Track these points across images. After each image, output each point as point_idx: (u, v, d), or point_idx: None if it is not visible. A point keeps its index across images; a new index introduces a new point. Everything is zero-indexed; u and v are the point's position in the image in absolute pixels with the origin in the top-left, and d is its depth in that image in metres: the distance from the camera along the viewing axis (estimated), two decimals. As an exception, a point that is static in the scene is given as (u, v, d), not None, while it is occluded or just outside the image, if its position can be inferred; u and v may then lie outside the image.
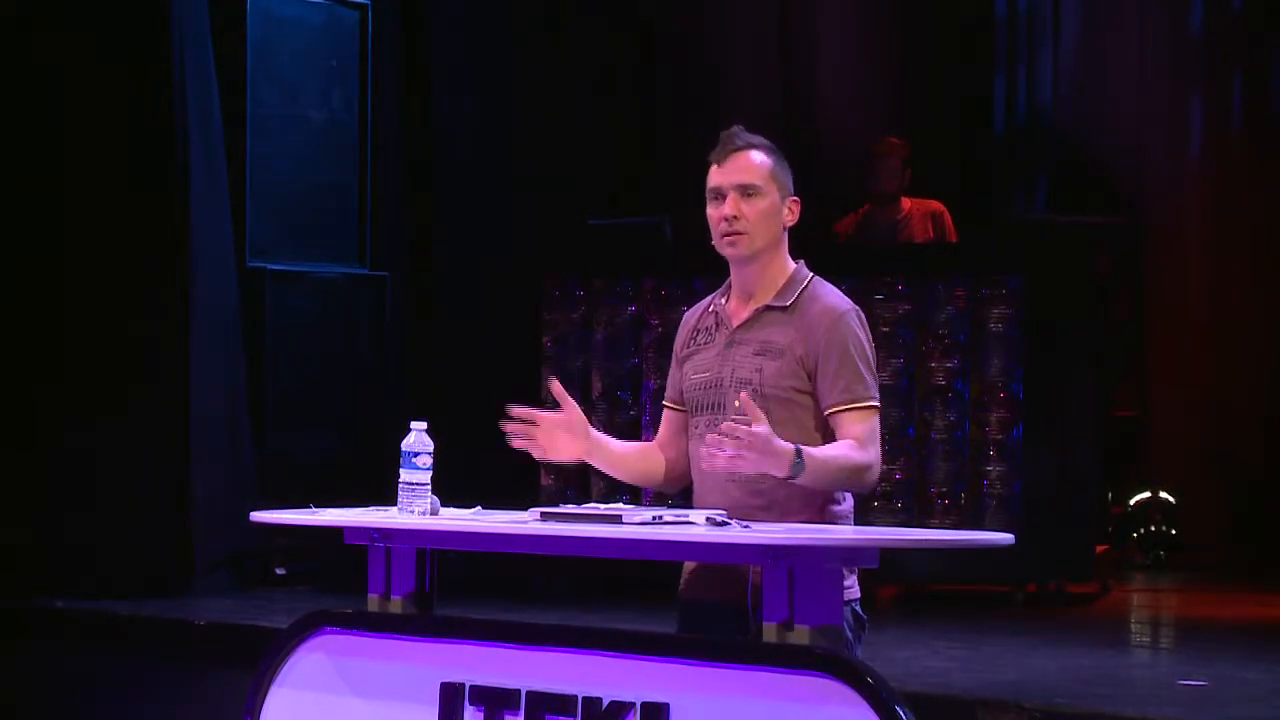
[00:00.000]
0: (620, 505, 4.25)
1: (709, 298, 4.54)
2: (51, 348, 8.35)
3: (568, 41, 10.62)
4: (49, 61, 8.37)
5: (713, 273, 4.55)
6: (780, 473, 4.10)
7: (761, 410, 4.13)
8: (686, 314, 4.58)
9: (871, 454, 4.25)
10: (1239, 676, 6.39)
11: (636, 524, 4.04)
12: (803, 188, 4.46)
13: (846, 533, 4.21)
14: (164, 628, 7.42)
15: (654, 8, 11.36)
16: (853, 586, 4.25)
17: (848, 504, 4.36)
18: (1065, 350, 8.57)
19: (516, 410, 4.43)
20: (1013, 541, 4.14)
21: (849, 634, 4.19)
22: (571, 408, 4.46)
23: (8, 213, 8.40)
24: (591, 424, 4.52)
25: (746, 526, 4.02)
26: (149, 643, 7.40)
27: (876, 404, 4.30)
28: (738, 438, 4.04)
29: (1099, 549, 8.93)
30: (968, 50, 11.50)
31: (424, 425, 4.35)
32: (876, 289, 8.44)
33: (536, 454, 4.45)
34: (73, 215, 8.34)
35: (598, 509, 4.23)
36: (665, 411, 4.58)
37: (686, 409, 4.47)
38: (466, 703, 4.25)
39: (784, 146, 4.48)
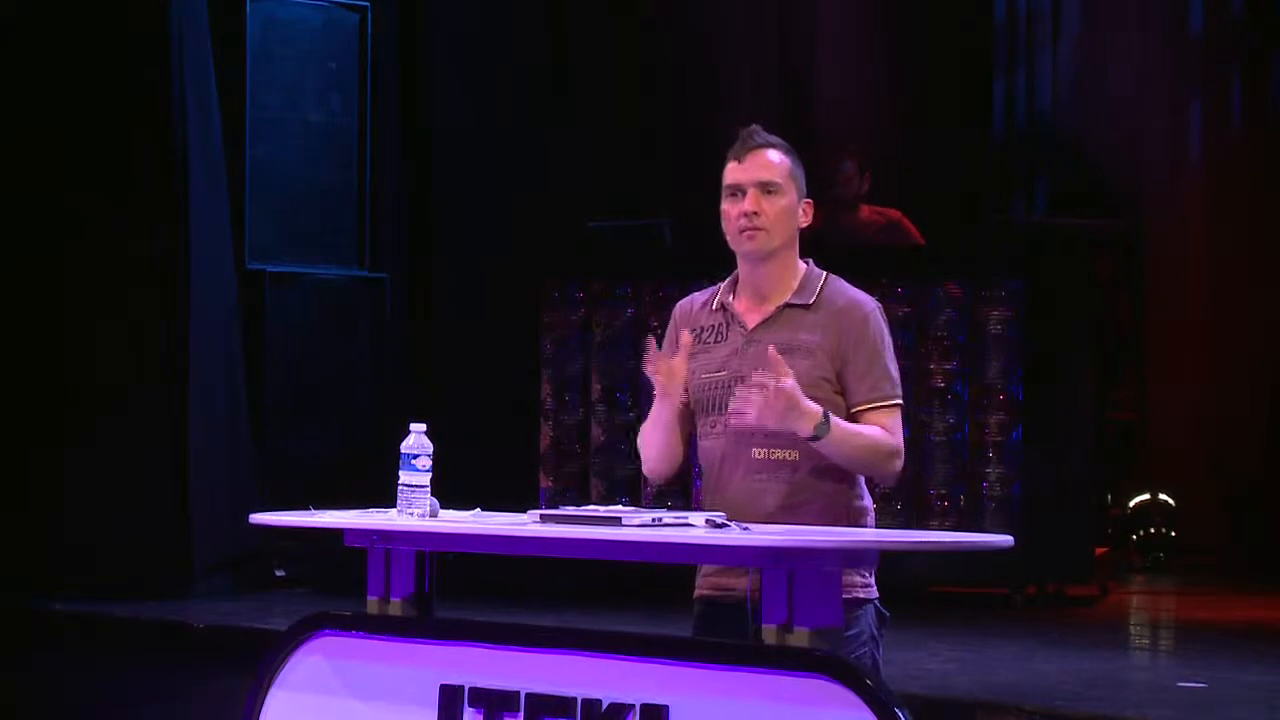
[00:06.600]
0: (619, 507, 4.24)
1: (705, 292, 4.48)
2: (51, 348, 8.36)
3: (567, 42, 10.61)
4: (48, 62, 8.37)
5: (713, 275, 4.53)
6: (804, 432, 4.15)
7: None
8: (681, 305, 4.49)
9: (899, 443, 4.29)
10: (1238, 678, 6.40)
11: (635, 526, 4.04)
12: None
13: (845, 534, 4.20)
14: (163, 630, 7.42)
15: (654, 7, 11.36)
16: (871, 586, 4.27)
17: (869, 500, 4.37)
18: (1065, 352, 8.57)
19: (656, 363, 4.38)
20: (1012, 543, 4.14)
21: (873, 630, 4.23)
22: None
23: (8, 213, 8.41)
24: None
25: (745, 529, 4.02)
26: (148, 644, 7.40)
27: (901, 401, 4.34)
28: (765, 389, 4.08)
29: (1098, 551, 8.94)
30: (967, 51, 11.50)
31: (423, 427, 4.34)
32: (875, 290, 8.37)
33: (659, 385, 4.39)
34: (72, 216, 8.35)
35: (597, 511, 4.23)
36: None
37: (693, 407, 4.41)
38: (466, 705, 4.24)
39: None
